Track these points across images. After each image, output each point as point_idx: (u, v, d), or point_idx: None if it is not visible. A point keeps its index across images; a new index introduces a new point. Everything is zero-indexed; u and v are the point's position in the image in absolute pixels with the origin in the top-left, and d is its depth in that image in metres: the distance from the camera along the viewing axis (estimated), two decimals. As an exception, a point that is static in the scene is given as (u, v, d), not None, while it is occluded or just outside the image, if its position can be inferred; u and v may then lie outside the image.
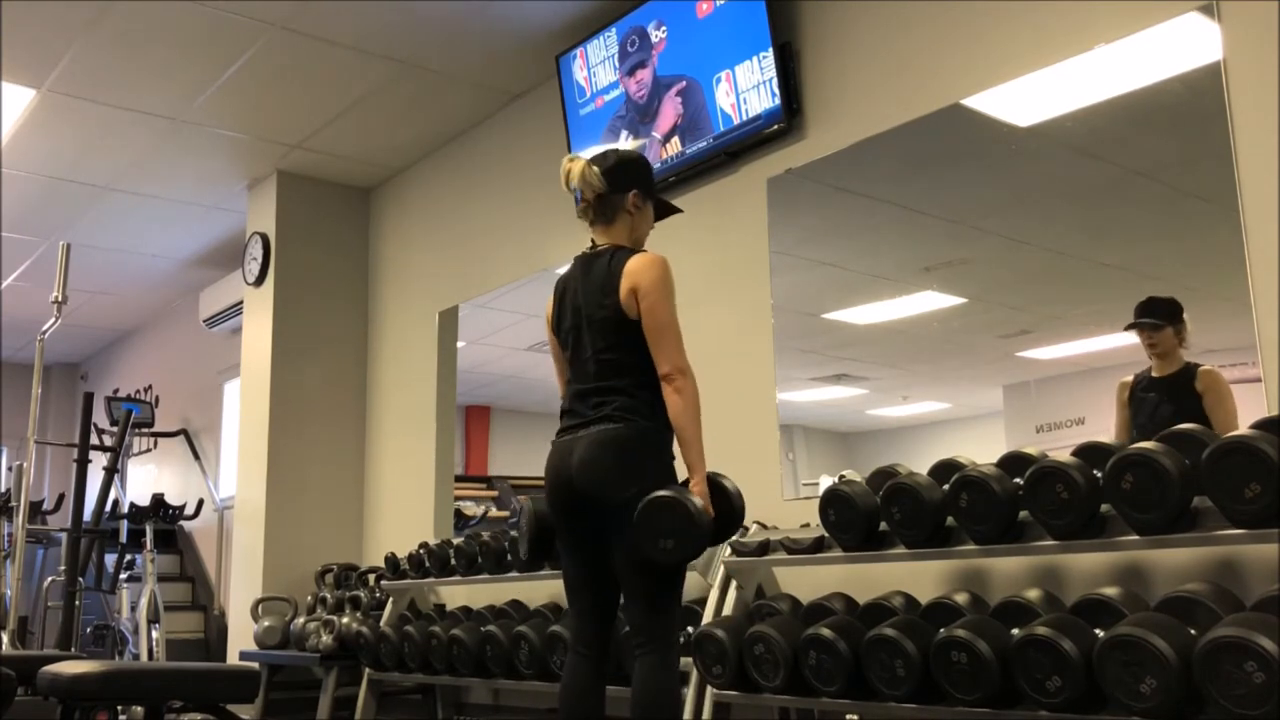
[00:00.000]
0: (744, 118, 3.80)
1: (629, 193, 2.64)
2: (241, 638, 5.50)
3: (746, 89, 3.78)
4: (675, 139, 4.06)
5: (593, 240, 2.69)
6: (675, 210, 2.79)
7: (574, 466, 2.49)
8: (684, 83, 4.02)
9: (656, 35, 4.13)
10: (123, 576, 5.99)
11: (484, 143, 5.31)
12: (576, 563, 2.58)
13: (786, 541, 3.04)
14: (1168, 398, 2.72)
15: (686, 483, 2.47)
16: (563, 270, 2.76)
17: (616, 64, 4.29)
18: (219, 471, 7.61)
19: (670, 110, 4.08)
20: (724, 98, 3.86)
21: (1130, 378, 2.81)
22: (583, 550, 2.56)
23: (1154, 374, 2.76)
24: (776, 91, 3.68)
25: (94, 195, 6.08)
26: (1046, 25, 3.06)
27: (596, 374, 2.54)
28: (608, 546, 2.50)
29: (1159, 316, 2.75)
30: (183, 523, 7.26)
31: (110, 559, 6.23)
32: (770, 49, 3.69)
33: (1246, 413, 2.50)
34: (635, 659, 2.42)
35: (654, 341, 2.50)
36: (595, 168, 2.61)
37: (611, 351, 2.53)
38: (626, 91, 4.27)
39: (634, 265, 2.53)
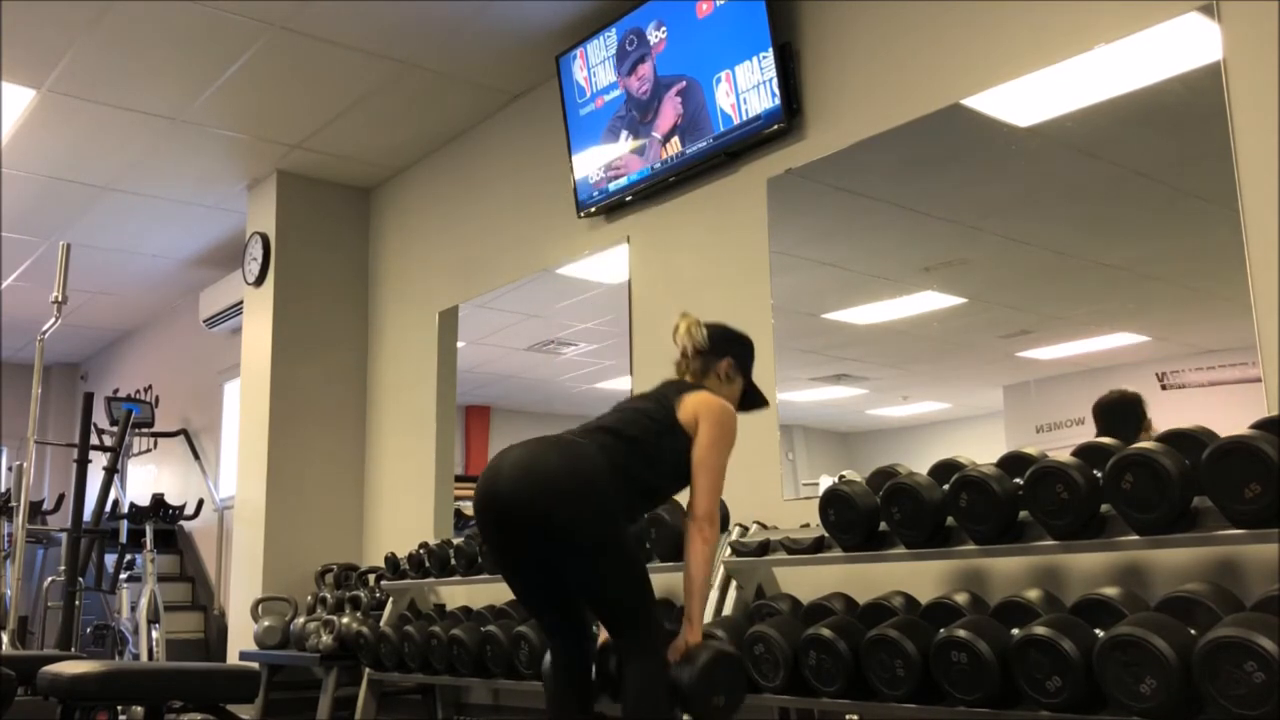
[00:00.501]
0: (744, 118, 3.80)
1: (725, 359, 2.67)
2: (241, 638, 5.50)
3: (746, 89, 3.78)
4: (675, 139, 4.06)
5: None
6: (762, 404, 2.78)
7: (520, 470, 2.31)
8: (684, 83, 4.02)
9: (656, 35, 4.13)
10: (123, 576, 5.99)
11: (484, 143, 5.31)
12: (528, 587, 2.46)
13: (786, 541, 3.04)
14: None
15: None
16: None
17: (616, 64, 4.29)
18: (219, 471, 7.61)
19: (670, 110, 4.08)
20: (724, 98, 3.86)
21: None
22: (531, 571, 2.43)
23: None
24: (776, 91, 3.68)
25: (94, 195, 6.08)
26: (1046, 25, 3.06)
27: (617, 421, 2.48)
28: (554, 561, 2.38)
29: (1122, 429, 2.71)
30: (183, 523, 7.26)
31: (110, 559, 6.23)
32: (770, 49, 3.69)
33: (1246, 413, 2.50)
34: (622, 670, 2.38)
35: (697, 475, 2.45)
36: (703, 328, 2.66)
37: (647, 437, 2.46)
38: (627, 90, 4.27)
39: (705, 397, 2.53)
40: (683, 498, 2.53)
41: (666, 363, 4.08)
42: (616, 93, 4.30)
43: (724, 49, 3.85)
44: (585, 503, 2.27)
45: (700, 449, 2.47)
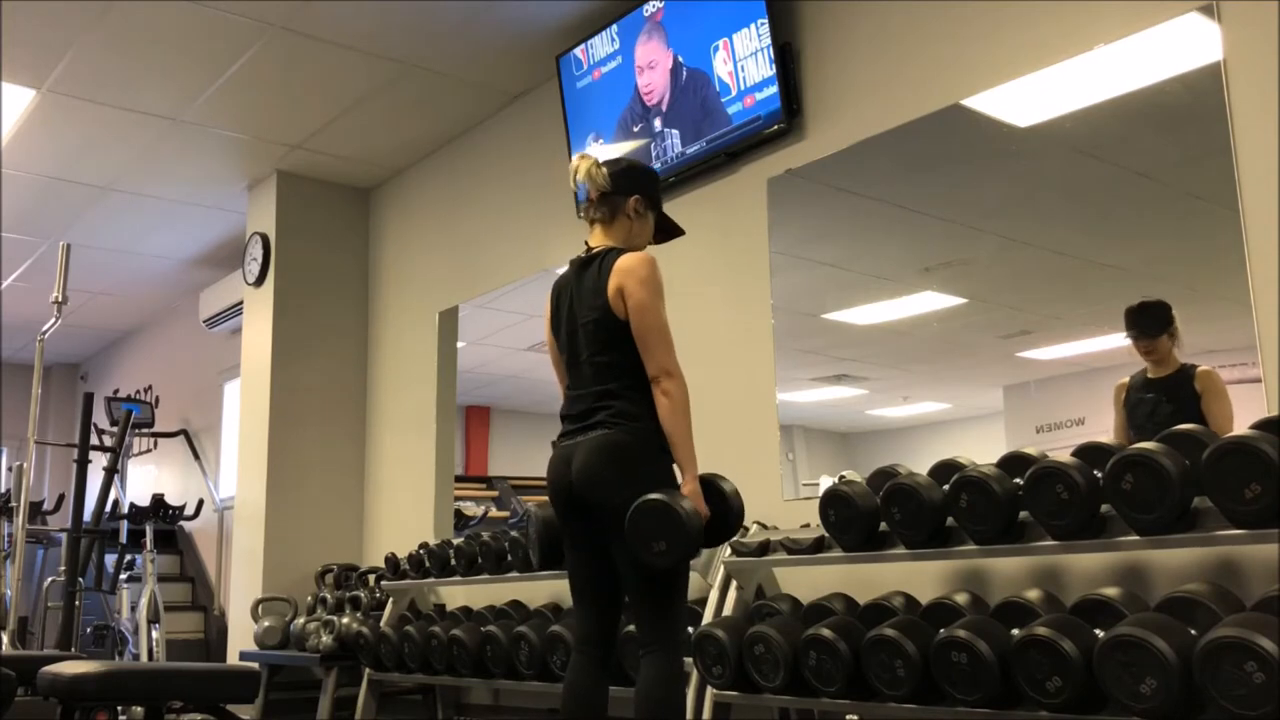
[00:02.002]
0: (743, 86, 3.79)
1: (631, 196, 2.64)
2: (241, 638, 5.50)
3: (744, 56, 3.78)
4: (676, 138, 4.06)
5: (587, 243, 2.68)
6: (679, 232, 2.79)
7: (574, 473, 2.50)
8: (685, 73, 4.03)
9: (654, 5, 4.13)
10: (123, 577, 5.99)
11: (484, 143, 5.31)
12: (581, 566, 2.59)
13: (786, 542, 3.04)
14: (1166, 398, 2.72)
15: None
16: (562, 270, 2.77)
17: (617, 58, 4.29)
18: (219, 472, 7.61)
19: (663, 80, 4.08)
20: (721, 66, 3.86)
21: (1126, 379, 2.81)
22: (586, 554, 2.57)
23: (1150, 375, 2.76)
24: (774, 60, 3.67)
25: (94, 195, 6.08)
26: (1047, 25, 3.06)
27: (592, 378, 2.55)
28: (610, 550, 2.51)
29: (1151, 326, 2.76)
30: (183, 523, 7.26)
31: (110, 559, 6.23)
32: (766, 14, 3.68)
33: (1246, 413, 2.50)
34: (640, 659, 2.42)
35: (641, 344, 2.50)
36: (603, 168, 2.63)
37: (605, 355, 2.53)
38: (632, 85, 4.26)
39: (621, 264, 2.53)
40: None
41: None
42: (615, 64, 4.29)
43: (721, 18, 3.85)
44: (630, 488, 2.41)
45: (636, 318, 2.49)
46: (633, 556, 2.40)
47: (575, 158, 2.67)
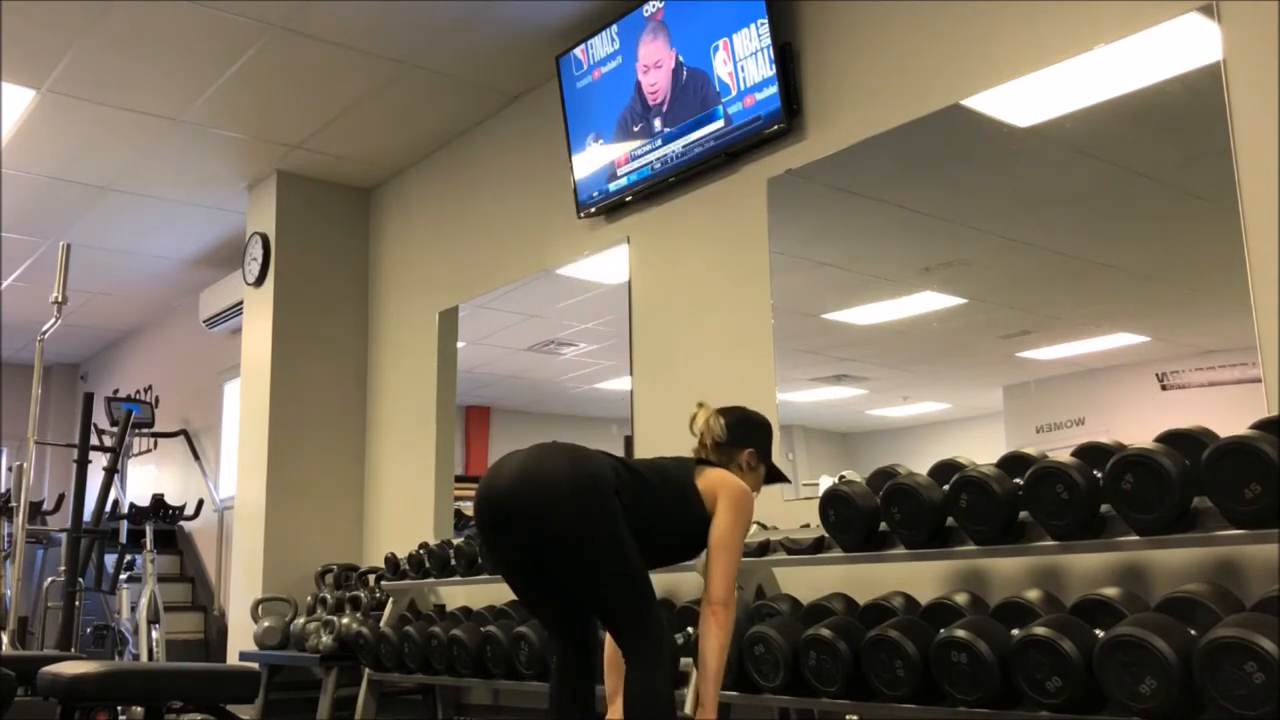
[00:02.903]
0: (748, 117, 3.80)
1: (746, 450, 2.63)
2: (241, 638, 5.50)
3: (744, 56, 3.78)
4: (676, 139, 4.06)
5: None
6: (785, 480, 2.78)
7: (526, 474, 2.32)
8: (685, 73, 4.02)
9: (654, 5, 4.13)
10: (123, 577, 5.99)
11: (484, 143, 5.31)
12: (531, 591, 2.48)
13: (786, 542, 3.04)
14: None
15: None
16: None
17: (617, 58, 4.29)
18: (219, 472, 7.61)
19: (665, 80, 4.08)
20: (721, 66, 3.86)
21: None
22: (534, 576, 2.44)
23: None
24: (774, 59, 3.67)
25: (94, 195, 6.08)
26: (1047, 25, 3.06)
27: (639, 465, 2.48)
28: (557, 568, 2.40)
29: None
30: (183, 523, 7.26)
31: (110, 559, 6.23)
32: (766, 14, 3.68)
33: (1247, 413, 2.50)
34: (625, 665, 2.39)
35: (716, 554, 2.42)
36: (721, 419, 2.62)
37: (666, 487, 2.46)
38: (632, 85, 4.26)
39: (728, 476, 2.51)
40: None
41: (666, 363, 4.09)
42: (615, 64, 4.29)
43: (721, 18, 3.86)
44: (586, 504, 2.26)
45: (719, 529, 2.43)
46: (589, 576, 2.31)
47: (695, 407, 2.64)
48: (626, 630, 2.36)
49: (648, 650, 2.34)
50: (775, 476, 2.75)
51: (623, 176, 4.30)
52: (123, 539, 6.05)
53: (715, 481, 2.48)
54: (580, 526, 2.25)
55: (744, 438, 2.63)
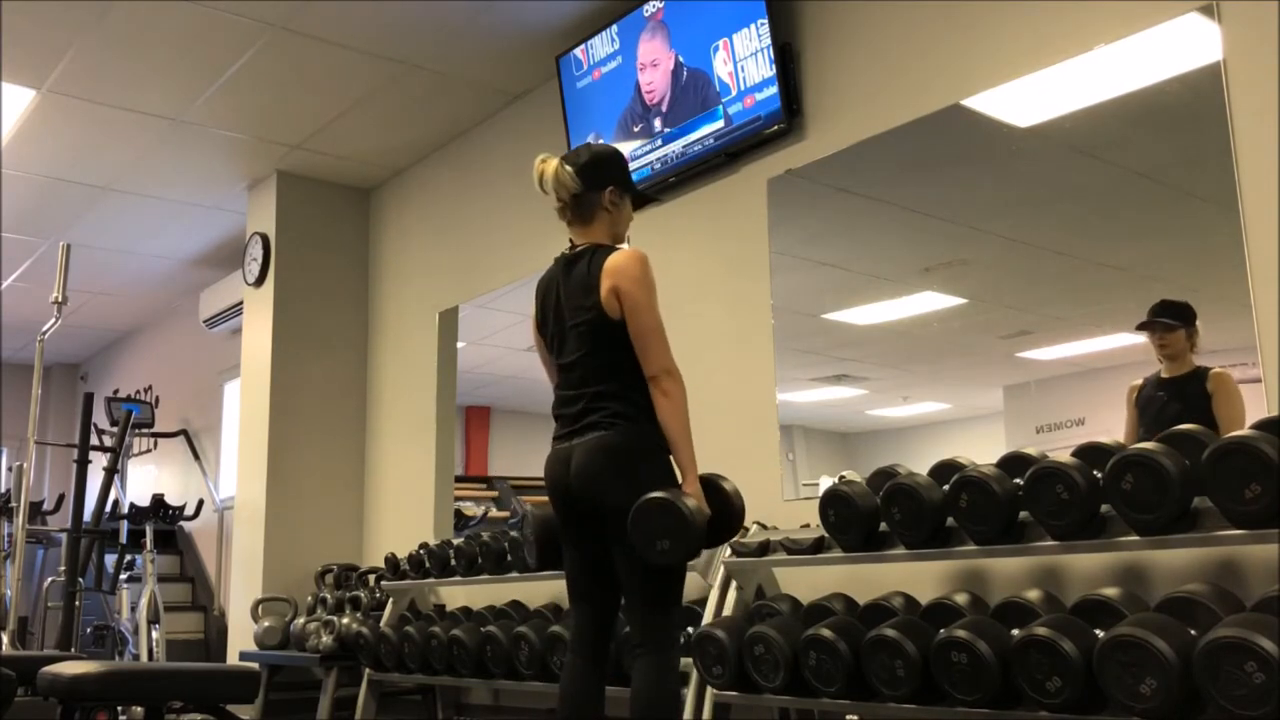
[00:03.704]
0: (748, 117, 3.80)
1: (605, 189, 2.61)
2: (241, 638, 5.50)
3: (744, 56, 3.78)
4: (676, 139, 4.06)
5: (571, 240, 2.67)
6: (654, 200, 2.78)
7: (572, 474, 2.49)
8: (685, 73, 4.03)
9: (654, 5, 4.13)
10: (123, 577, 5.99)
11: (484, 143, 5.31)
12: (579, 566, 2.59)
13: (786, 542, 3.04)
14: (1175, 397, 2.72)
15: None
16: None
17: (617, 58, 4.29)
18: (219, 472, 7.61)
19: (665, 81, 4.08)
20: (722, 66, 3.86)
21: (1139, 380, 2.81)
22: (584, 554, 2.57)
23: (1164, 375, 2.76)
24: (774, 59, 3.67)
25: (94, 195, 6.08)
26: (1046, 26, 3.06)
27: (584, 379, 2.53)
28: (609, 550, 2.51)
29: (1173, 318, 2.75)
30: (183, 523, 7.26)
31: (110, 559, 6.23)
32: (766, 14, 3.68)
33: (1247, 413, 2.50)
34: (635, 659, 2.42)
35: (639, 343, 2.48)
36: (568, 167, 2.58)
37: (598, 355, 2.52)
38: (632, 85, 4.26)
39: (613, 263, 2.50)
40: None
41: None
42: (615, 64, 4.29)
43: (721, 19, 3.86)
44: (630, 487, 2.40)
45: (632, 318, 2.47)
46: (632, 556, 2.40)
47: (536, 162, 2.61)
48: (648, 617, 2.44)
49: (663, 642, 2.42)
50: (643, 200, 2.74)
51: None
52: (123, 539, 6.05)
53: (609, 279, 2.48)
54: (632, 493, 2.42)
55: (598, 177, 2.60)
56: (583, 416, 2.52)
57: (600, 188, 2.60)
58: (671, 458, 2.50)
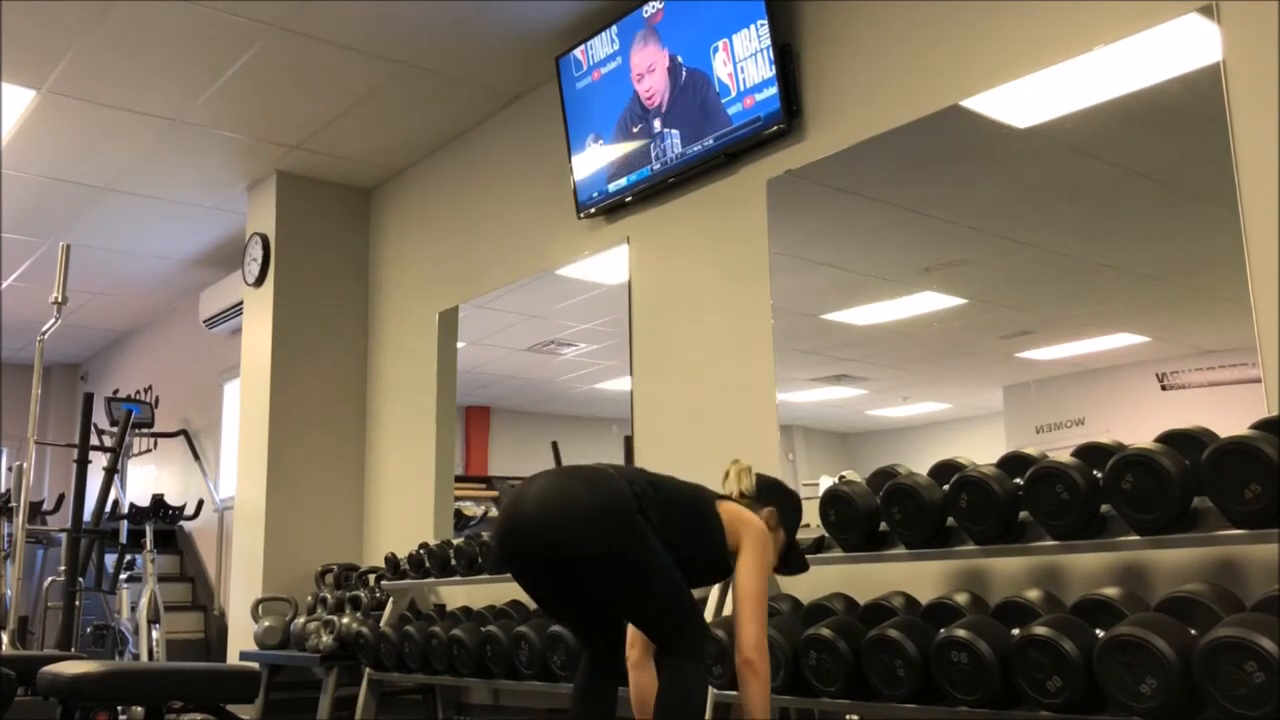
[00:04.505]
0: (747, 118, 3.80)
1: (768, 508, 2.52)
2: (241, 638, 5.50)
3: (744, 57, 3.78)
4: (676, 138, 4.06)
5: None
6: (804, 568, 2.64)
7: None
8: (685, 74, 4.03)
9: (653, 6, 4.13)
10: (123, 577, 5.99)
11: (484, 143, 5.31)
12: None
13: (786, 542, 3.04)
14: None
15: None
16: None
17: (617, 59, 4.29)
18: (219, 472, 7.61)
19: (664, 82, 4.08)
20: (721, 67, 3.86)
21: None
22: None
23: None
24: (774, 60, 3.67)
25: (94, 195, 6.08)
26: (1046, 26, 3.06)
27: (660, 479, 2.40)
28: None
29: None
30: (183, 523, 7.26)
31: (110, 559, 6.23)
32: (766, 15, 3.68)
33: (1247, 413, 2.50)
34: (662, 657, 2.34)
35: (742, 602, 2.30)
36: (752, 477, 2.55)
37: (688, 505, 2.39)
38: (632, 86, 4.27)
39: (749, 515, 2.41)
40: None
41: (666, 363, 4.10)
42: (615, 64, 4.29)
43: (720, 19, 3.86)
44: (613, 525, 2.20)
45: (744, 573, 2.31)
46: (622, 600, 2.29)
47: (730, 464, 2.57)
48: (669, 633, 2.30)
49: (690, 644, 2.29)
50: (796, 556, 2.60)
51: (622, 177, 4.30)
52: (123, 539, 6.05)
53: (735, 515, 2.38)
54: (615, 546, 2.19)
55: (770, 498, 2.54)
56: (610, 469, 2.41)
57: (767, 504, 2.52)
58: None
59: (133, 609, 5.74)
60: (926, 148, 3.34)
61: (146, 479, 8.67)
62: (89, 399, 5.20)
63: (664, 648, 2.33)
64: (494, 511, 5.23)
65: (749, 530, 2.36)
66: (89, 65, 4.68)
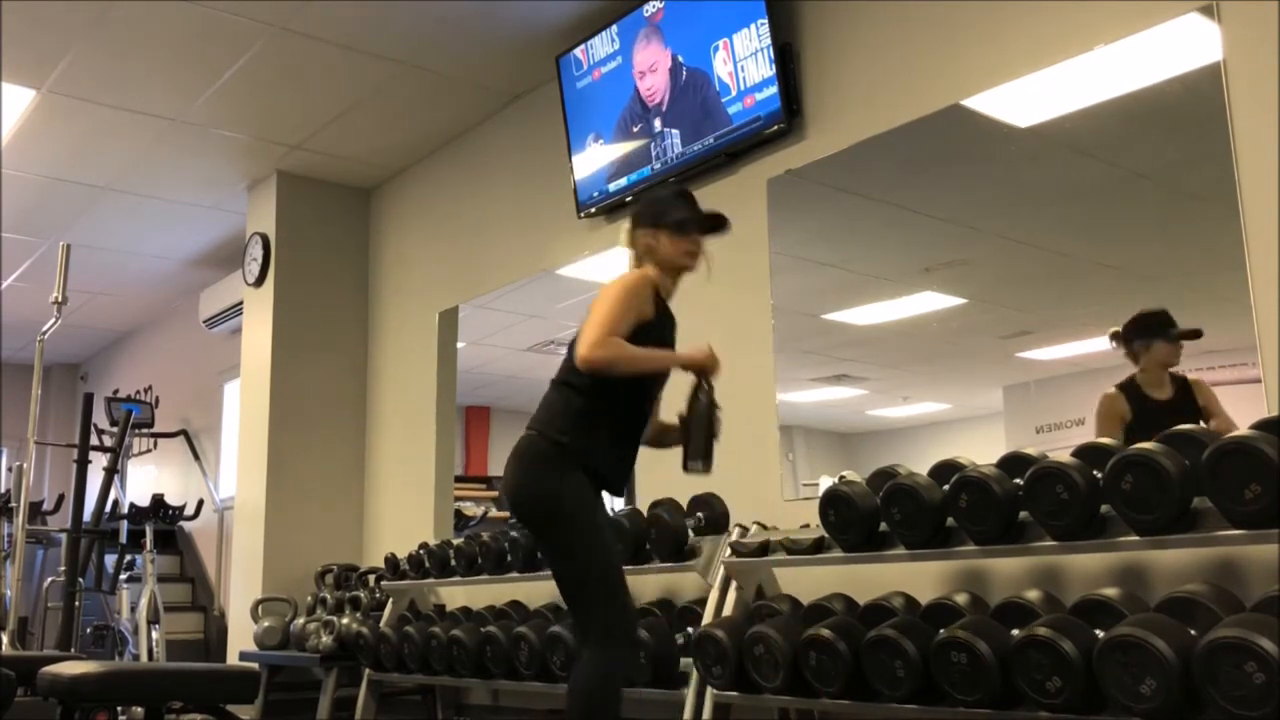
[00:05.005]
0: (748, 117, 3.80)
1: (640, 233, 2.67)
2: (241, 638, 5.50)
3: (744, 56, 3.78)
4: (676, 138, 4.06)
5: None
6: (719, 220, 2.71)
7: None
8: (685, 73, 4.03)
9: (654, 5, 4.13)
10: (122, 577, 5.99)
11: (484, 143, 5.31)
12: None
13: (786, 542, 3.04)
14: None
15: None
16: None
17: (617, 58, 4.29)
18: (219, 472, 7.61)
19: (664, 81, 4.08)
20: (721, 66, 3.86)
21: (1115, 391, 2.80)
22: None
23: (1155, 395, 2.75)
24: (774, 59, 3.67)
25: (94, 195, 6.08)
26: (1047, 26, 3.06)
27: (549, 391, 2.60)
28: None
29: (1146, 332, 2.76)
30: (182, 523, 7.26)
31: (110, 559, 6.23)
32: (766, 14, 3.68)
33: (1247, 413, 2.50)
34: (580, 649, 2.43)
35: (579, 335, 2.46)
36: (628, 224, 2.67)
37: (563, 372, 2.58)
38: (632, 85, 4.26)
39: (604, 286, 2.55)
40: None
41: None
42: (615, 64, 4.29)
43: (721, 19, 3.85)
44: (525, 485, 2.44)
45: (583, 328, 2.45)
46: (547, 557, 2.49)
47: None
48: (580, 609, 2.42)
49: (601, 634, 2.35)
50: (704, 220, 2.70)
51: (623, 177, 4.30)
52: (123, 539, 6.05)
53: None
54: (528, 506, 2.44)
55: (636, 226, 2.66)
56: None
57: (639, 234, 2.68)
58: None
59: (132, 609, 5.74)
60: (927, 147, 3.34)
61: (146, 479, 8.67)
62: (89, 399, 5.19)
63: (579, 635, 2.36)
64: (494, 511, 5.23)
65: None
66: (89, 65, 4.68)
